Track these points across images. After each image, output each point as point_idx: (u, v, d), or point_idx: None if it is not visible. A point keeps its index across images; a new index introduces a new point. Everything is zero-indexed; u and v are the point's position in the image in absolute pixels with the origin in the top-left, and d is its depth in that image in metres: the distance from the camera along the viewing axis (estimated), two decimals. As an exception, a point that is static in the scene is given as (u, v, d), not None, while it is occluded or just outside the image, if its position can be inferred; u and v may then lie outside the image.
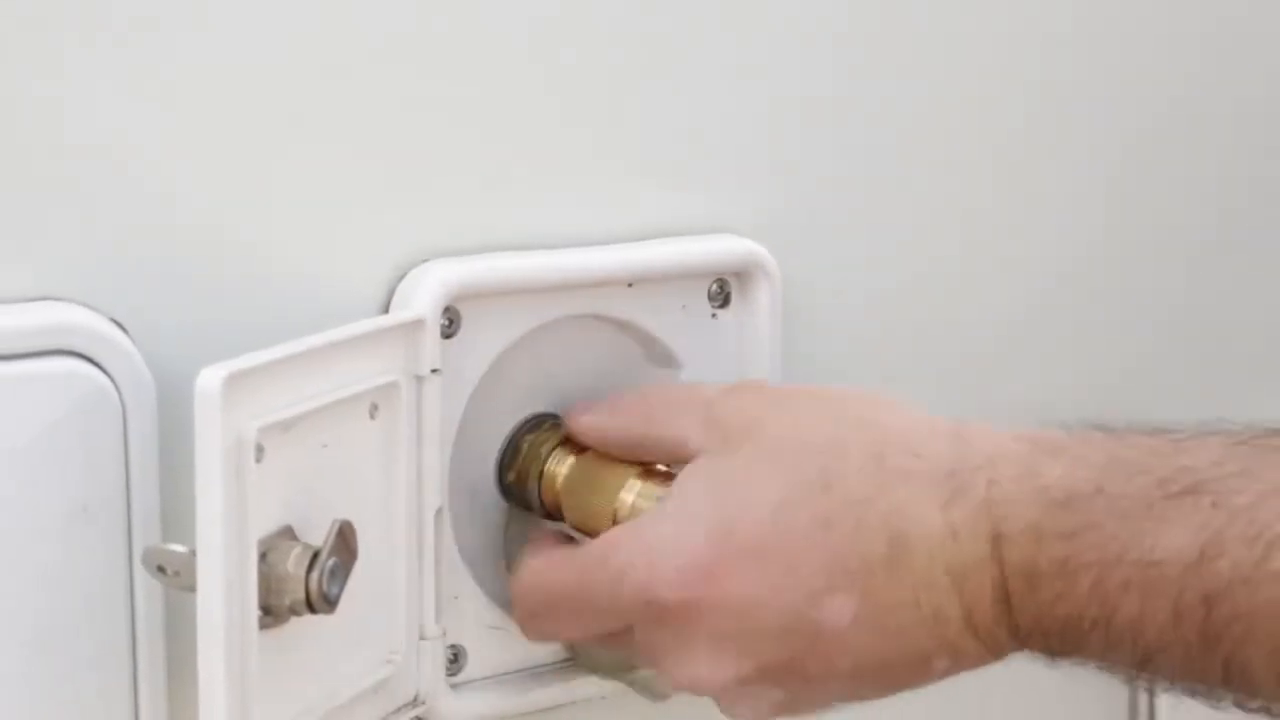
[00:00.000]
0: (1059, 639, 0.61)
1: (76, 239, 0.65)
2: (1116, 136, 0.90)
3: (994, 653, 0.63)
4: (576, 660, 0.75)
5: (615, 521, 0.70)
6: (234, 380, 0.59)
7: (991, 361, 0.88)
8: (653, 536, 0.65)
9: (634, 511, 0.70)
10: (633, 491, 0.71)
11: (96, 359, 0.64)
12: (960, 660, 0.63)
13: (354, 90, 0.70)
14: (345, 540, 0.63)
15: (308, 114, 0.69)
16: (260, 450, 0.61)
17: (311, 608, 0.62)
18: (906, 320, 0.85)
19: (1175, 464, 0.60)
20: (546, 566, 0.69)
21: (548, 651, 0.75)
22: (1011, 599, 0.61)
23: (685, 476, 0.66)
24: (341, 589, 0.63)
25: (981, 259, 0.87)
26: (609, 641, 0.68)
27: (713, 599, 0.63)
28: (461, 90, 0.72)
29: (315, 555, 0.62)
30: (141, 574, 0.64)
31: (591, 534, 0.71)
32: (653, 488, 0.70)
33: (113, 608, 0.65)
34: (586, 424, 0.72)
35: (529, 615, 0.70)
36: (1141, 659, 0.60)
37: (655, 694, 0.75)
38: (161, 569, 0.63)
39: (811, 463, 0.64)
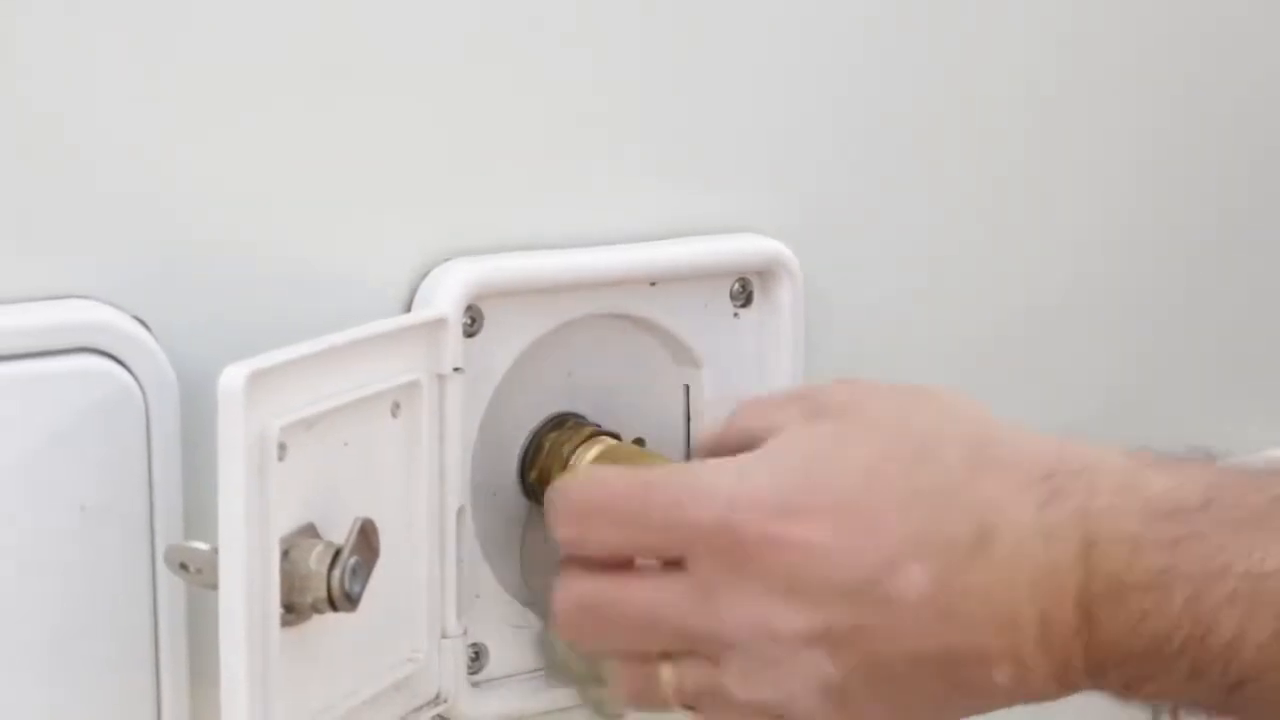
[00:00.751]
0: (1139, 662, 0.58)
1: (100, 238, 0.65)
2: (1140, 136, 0.90)
3: (1061, 678, 0.60)
4: (548, 663, 0.75)
5: None
6: (257, 378, 0.59)
7: (1013, 361, 0.88)
8: (742, 470, 0.62)
9: None
10: None
11: (120, 357, 0.64)
12: (1025, 676, 0.60)
13: (376, 91, 0.70)
14: (367, 538, 0.63)
15: (331, 115, 0.69)
16: (283, 448, 0.61)
17: (334, 606, 0.62)
18: (928, 319, 0.85)
19: None
20: (611, 472, 0.66)
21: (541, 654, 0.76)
22: (1095, 610, 0.58)
23: (777, 438, 0.63)
24: (363, 587, 0.63)
25: (1003, 258, 0.87)
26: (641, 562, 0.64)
27: (792, 539, 0.60)
28: (483, 90, 0.72)
29: (337, 553, 0.62)
30: (164, 572, 0.64)
31: None
32: None
33: (135, 605, 0.65)
34: None
35: (574, 514, 0.64)
36: (1232, 685, 0.57)
37: (608, 713, 0.74)
38: (184, 566, 0.63)
39: (910, 437, 0.62)
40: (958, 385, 0.83)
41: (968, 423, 0.63)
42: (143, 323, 0.66)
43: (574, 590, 0.65)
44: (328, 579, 0.62)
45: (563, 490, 0.65)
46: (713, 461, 0.64)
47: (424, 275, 0.71)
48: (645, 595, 0.63)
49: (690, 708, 0.64)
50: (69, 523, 0.64)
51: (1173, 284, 0.93)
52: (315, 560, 0.62)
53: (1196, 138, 0.92)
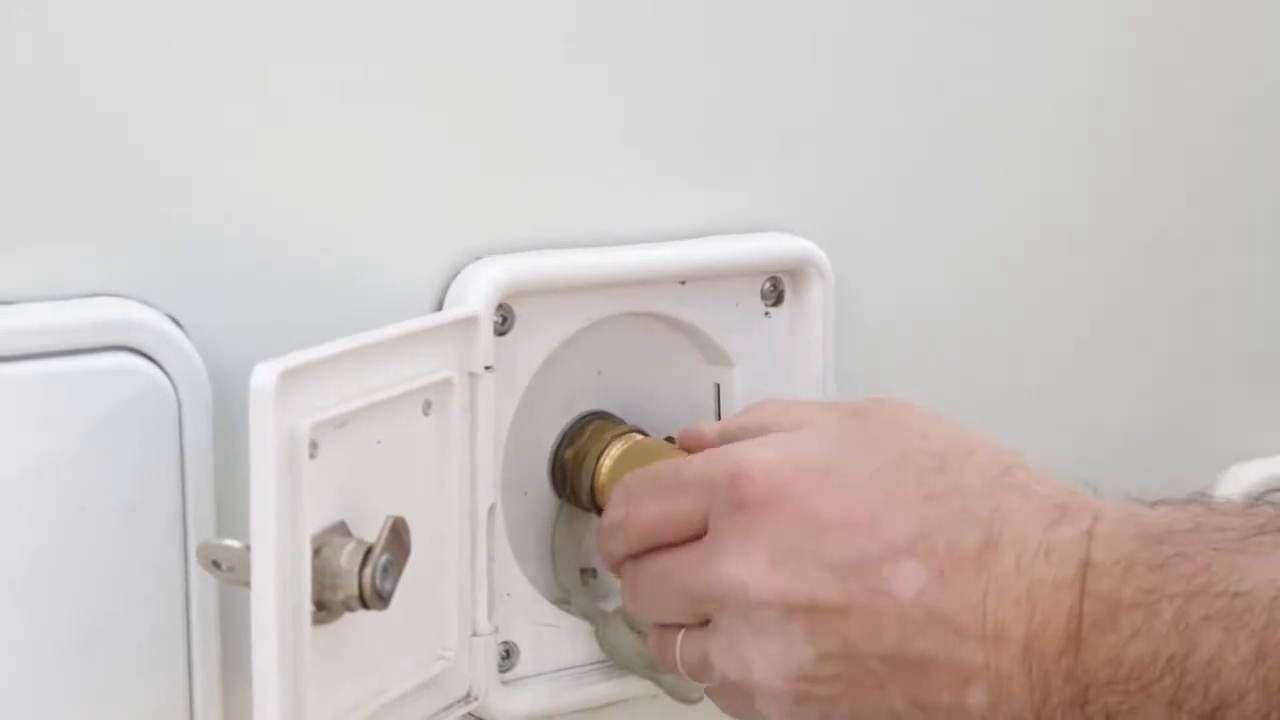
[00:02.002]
0: (1122, 688, 0.58)
1: (136, 236, 0.66)
2: (1187, 140, 0.90)
3: (1039, 709, 0.59)
4: (612, 657, 0.75)
5: None
6: (288, 376, 0.60)
7: (1049, 364, 0.88)
8: (769, 440, 0.65)
9: None
10: None
11: (153, 355, 0.65)
12: (1000, 701, 0.60)
13: (409, 90, 0.70)
14: (399, 536, 0.63)
15: (364, 113, 0.69)
16: (314, 446, 0.61)
17: (365, 604, 0.62)
18: (962, 322, 0.84)
19: (1275, 515, 0.59)
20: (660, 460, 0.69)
21: (600, 650, 0.76)
22: (1084, 632, 0.58)
23: (811, 425, 0.66)
24: (395, 585, 0.63)
25: (1041, 259, 0.87)
26: (679, 533, 0.66)
27: (792, 502, 0.62)
28: (516, 89, 0.72)
29: (369, 551, 0.62)
30: (196, 569, 0.65)
31: None
32: None
33: (168, 603, 0.66)
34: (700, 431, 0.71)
35: (624, 494, 0.68)
36: (1211, 710, 0.56)
37: (684, 696, 0.75)
38: (216, 564, 0.63)
39: (936, 444, 0.63)
40: (994, 390, 0.85)
41: (994, 448, 0.64)
42: (176, 321, 0.66)
43: (624, 571, 0.68)
44: (359, 577, 0.62)
45: (619, 481, 0.69)
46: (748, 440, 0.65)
47: (456, 274, 0.72)
48: (664, 562, 0.66)
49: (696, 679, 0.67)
50: (101, 520, 0.64)
51: (1217, 289, 0.93)
52: (347, 558, 0.62)
53: (1246, 144, 0.92)
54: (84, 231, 0.65)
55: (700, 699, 0.74)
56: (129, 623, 0.65)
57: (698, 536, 0.65)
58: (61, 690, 0.64)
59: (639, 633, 0.74)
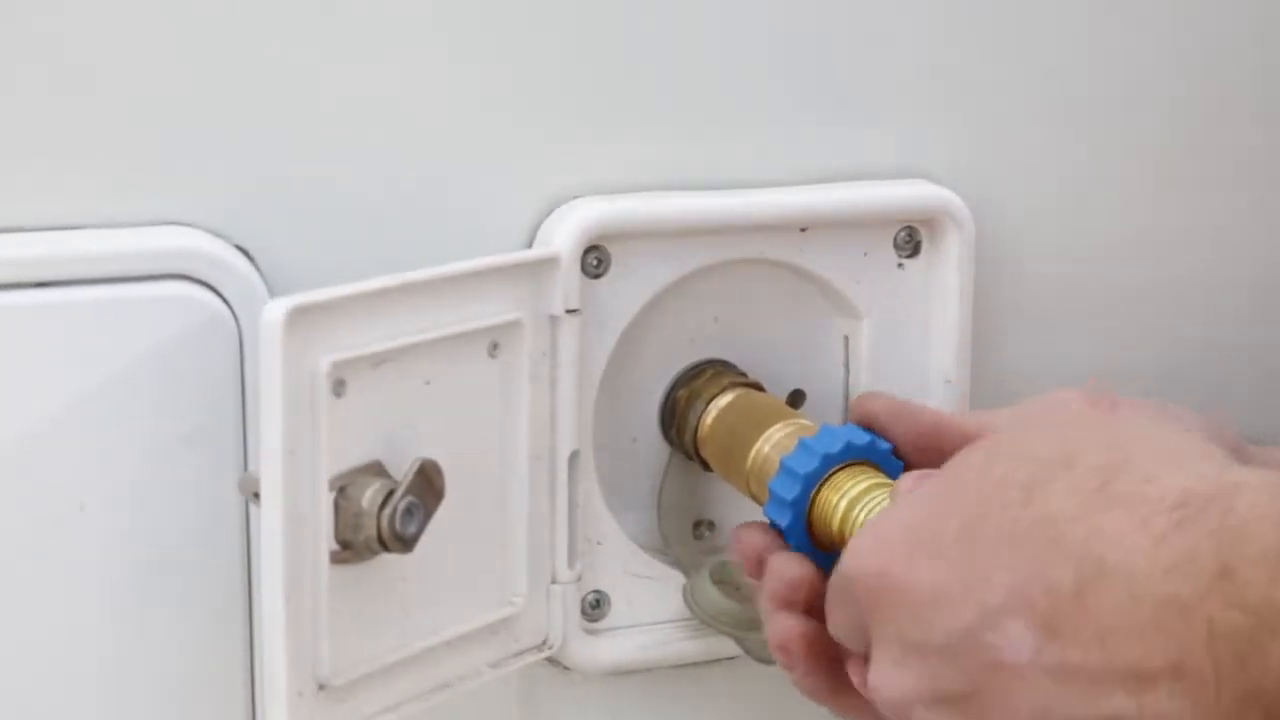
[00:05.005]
0: None
1: (212, 166, 0.66)
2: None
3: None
4: (694, 612, 0.72)
5: (749, 469, 0.68)
6: (302, 313, 0.59)
7: (1211, 328, 0.81)
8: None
9: (766, 462, 0.67)
10: (770, 442, 0.68)
11: (213, 284, 0.65)
12: None
13: (513, 20, 0.68)
14: (427, 479, 0.62)
15: (460, 42, 0.68)
16: (341, 384, 0.61)
17: (385, 546, 0.61)
18: (1115, 282, 0.78)
19: None
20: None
21: (684, 604, 0.73)
22: (1241, 651, 0.48)
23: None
24: (420, 529, 0.62)
25: (1194, 209, 0.80)
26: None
27: (891, 589, 0.56)
28: (626, 18, 0.70)
29: (390, 493, 0.61)
30: (255, 500, 0.65)
31: (727, 475, 0.70)
32: (788, 440, 0.67)
33: (226, 532, 0.66)
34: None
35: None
36: None
37: (766, 658, 0.72)
38: (256, 496, 0.63)
39: (1022, 470, 0.54)
40: (1142, 349, 0.78)
41: (1106, 447, 0.54)
42: (245, 252, 0.66)
43: None
44: (378, 519, 0.61)
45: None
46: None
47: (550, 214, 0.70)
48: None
49: None
50: (157, 447, 0.65)
51: None
52: (369, 499, 0.61)
53: None
54: (159, 159, 0.65)
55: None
56: (188, 551, 0.66)
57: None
58: (119, 620, 0.66)
59: (734, 589, 0.72)
